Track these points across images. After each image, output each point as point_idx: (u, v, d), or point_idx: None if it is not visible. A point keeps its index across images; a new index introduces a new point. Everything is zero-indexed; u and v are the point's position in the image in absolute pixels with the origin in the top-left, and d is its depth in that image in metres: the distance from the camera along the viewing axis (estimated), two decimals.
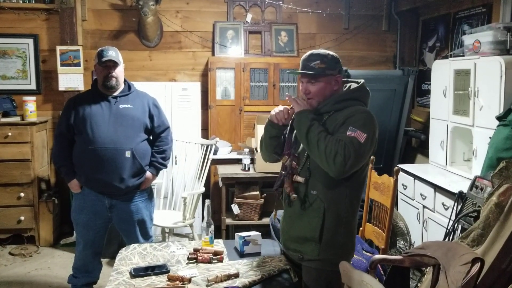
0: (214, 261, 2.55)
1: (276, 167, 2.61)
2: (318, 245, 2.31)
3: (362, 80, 2.45)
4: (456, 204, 3.15)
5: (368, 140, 2.22)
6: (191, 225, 4.25)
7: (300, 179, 2.34)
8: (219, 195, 4.82)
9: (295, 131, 2.38)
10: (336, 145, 2.17)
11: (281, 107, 2.42)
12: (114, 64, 3.23)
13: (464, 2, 4.57)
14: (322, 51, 2.40)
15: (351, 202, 2.34)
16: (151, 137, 3.42)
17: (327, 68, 2.33)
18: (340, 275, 2.25)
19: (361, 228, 3.39)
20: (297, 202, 2.37)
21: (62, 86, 5.00)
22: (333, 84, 2.37)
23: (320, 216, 2.30)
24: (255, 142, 4.76)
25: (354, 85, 2.43)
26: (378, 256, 2.43)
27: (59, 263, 4.42)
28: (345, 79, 2.48)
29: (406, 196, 4.29)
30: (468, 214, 2.85)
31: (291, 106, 2.40)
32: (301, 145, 2.38)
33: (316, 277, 2.35)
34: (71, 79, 4.99)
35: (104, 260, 3.66)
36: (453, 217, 3.08)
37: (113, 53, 3.23)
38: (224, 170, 4.75)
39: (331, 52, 2.40)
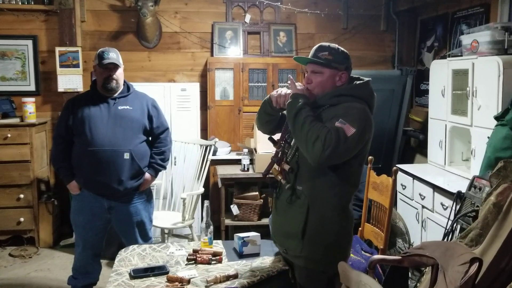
0: (213, 262, 2.55)
1: None
2: (301, 242, 2.29)
3: (369, 79, 2.38)
4: (454, 204, 3.16)
5: (356, 136, 2.13)
6: (190, 226, 4.26)
7: (286, 167, 2.31)
8: (218, 195, 4.82)
9: None
10: (319, 130, 2.12)
11: (285, 91, 2.36)
12: (114, 66, 3.23)
13: (462, 2, 4.57)
14: (333, 44, 2.36)
15: (339, 201, 2.28)
16: (150, 138, 3.42)
17: (333, 61, 2.29)
18: (333, 279, 2.26)
19: (360, 228, 3.40)
20: (284, 197, 2.35)
21: (61, 87, 5.00)
22: (336, 80, 2.31)
23: (304, 212, 2.27)
24: (254, 143, 4.77)
25: (359, 83, 2.37)
26: (377, 256, 2.43)
27: (59, 264, 4.43)
28: (356, 76, 2.43)
29: (405, 196, 4.30)
30: (467, 214, 2.86)
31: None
32: None
33: (307, 277, 2.34)
34: (70, 80, 4.99)
35: (103, 261, 3.66)
36: (451, 217, 3.09)
37: (114, 55, 3.23)
38: (223, 171, 4.75)
39: (342, 48, 2.36)
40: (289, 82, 2.36)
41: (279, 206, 2.43)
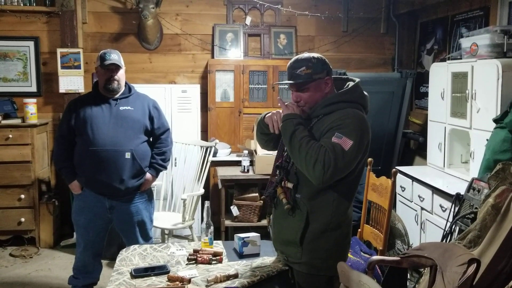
0: (213, 262, 2.57)
1: None
2: (300, 249, 2.28)
3: (357, 80, 2.35)
4: (453, 205, 3.17)
5: (354, 148, 2.13)
6: (190, 227, 4.27)
7: (289, 185, 2.30)
8: (218, 196, 4.84)
9: None
10: (317, 151, 2.10)
11: (278, 116, 2.33)
12: (116, 68, 3.26)
13: (462, 5, 4.60)
14: (306, 55, 2.31)
15: (338, 207, 2.26)
16: (151, 139, 3.45)
17: (314, 73, 2.25)
18: (332, 280, 2.27)
19: (359, 230, 3.42)
20: (282, 206, 2.31)
21: (62, 88, 5.02)
22: (323, 88, 2.29)
23: (303, 220, 2.25)
24: (254, 144, 4.78)
25: (351, 84, 2.35)
26: (375, 257, 2.45)
27: (59, 264, 4.45)
28: (345, 77, 2.43)
29: (404, 198, 4.31)
30: (465, 215, 2.87)
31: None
32: None
33: (306, 279, 2.33)
34: (72, 82, 5.01)
35: (103, 262, 3.67)
36: (450, 219, 3.10)
37: (115, 56, 3.26)
38: (224, 172, 4.77)
39: (315, 55, 2.31)
40: (279, 104, 2.34)
41: (278, 215, 2.42)
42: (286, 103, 2.32)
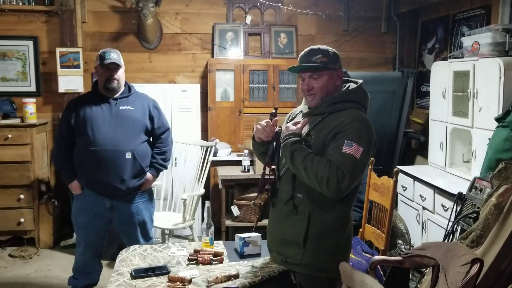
0: (214, 262, 2.56)
1: None
2: (302, 250, 2.25)
3: (361, 81, 2.36)
4: (455, 205, 3.16)
5: (365, 154, 2.14)
6: (191, 227, 4.26)
7: (268, 186, 2.34)
8: (218, 196, 4.82)
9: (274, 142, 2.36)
10: (326, 169, 2.08)
11: (263, 123, 2.33)
12: (116, 67, 3.25)
13: (463, 4, 4.58)
14: (322, 46, 2.33)
15: (340, 209, 2.25)
16: (151, 139, 3.44)
17: (330, 62, 2.27)
18: (334, 282, 2.26)
19: (360, 230, 3.40)
20: (283, 204, 2.31)
21: (62, 88, 5.00)
22: (335, 79, 2.30)
23: (305, 220, 2.24)
24: None
25: (352, 85, 2.35)
26: (377, 257, 2.43)
27: (59, 265, 4.43)
28: (345, 78, 2.43)
29: (406, 197, 4.30)
30: (468, 215, 2.86)
31: (271, 117, 2.35)
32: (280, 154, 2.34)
33: (307, 280, 2.31)
34: (71, 81, 4.99)
35: (103, 262, 3.65)
36: (452, 218, 3.09)
37: (115, 55, 3.24)
38: (224, 172, 4.75)
39: (330, 48, 2.34)
40: (256, 125, 2.33)
41: (277, 215, 2.38)
42: (265, 126, 2.32)
